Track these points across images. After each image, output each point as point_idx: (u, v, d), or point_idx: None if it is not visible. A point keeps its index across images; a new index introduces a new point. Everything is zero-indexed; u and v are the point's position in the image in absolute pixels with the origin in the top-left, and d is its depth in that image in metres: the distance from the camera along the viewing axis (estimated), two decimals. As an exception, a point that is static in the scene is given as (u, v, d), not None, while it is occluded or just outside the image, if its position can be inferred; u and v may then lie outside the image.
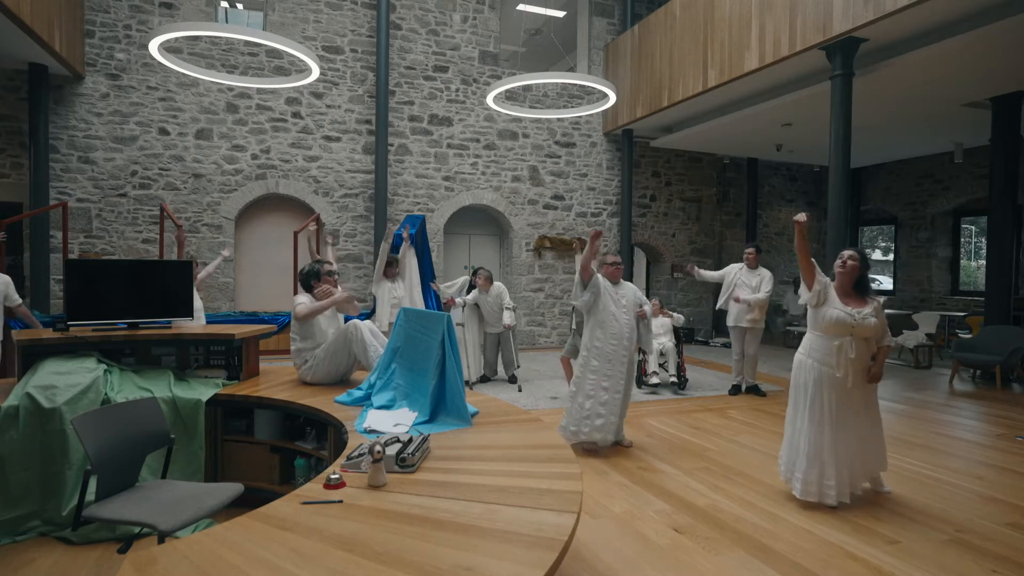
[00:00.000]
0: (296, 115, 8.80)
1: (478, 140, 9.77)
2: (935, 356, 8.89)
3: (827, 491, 3.25)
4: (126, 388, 3.06)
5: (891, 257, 12.48)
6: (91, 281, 3.48)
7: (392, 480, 1.95)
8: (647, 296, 5.31)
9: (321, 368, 3.42)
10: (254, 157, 8.61)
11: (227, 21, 9.06)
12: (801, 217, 3.28)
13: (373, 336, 3.46)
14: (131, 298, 3.53)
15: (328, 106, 8.95)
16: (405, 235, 6.50)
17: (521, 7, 10.59)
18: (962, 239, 11.32)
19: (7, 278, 4.76)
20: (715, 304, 6.70)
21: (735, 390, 6.38)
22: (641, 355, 6.39)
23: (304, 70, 6.35)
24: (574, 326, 5.84)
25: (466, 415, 2.68)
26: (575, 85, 9.95)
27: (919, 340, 8.38)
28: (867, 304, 3.29)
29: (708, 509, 3.30)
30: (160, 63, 6.13)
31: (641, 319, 4.34)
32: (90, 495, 2.17)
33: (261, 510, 1.72)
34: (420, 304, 6.54)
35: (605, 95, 7.21)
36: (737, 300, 6.06)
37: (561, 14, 10.93)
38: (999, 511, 3.32)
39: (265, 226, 8.96)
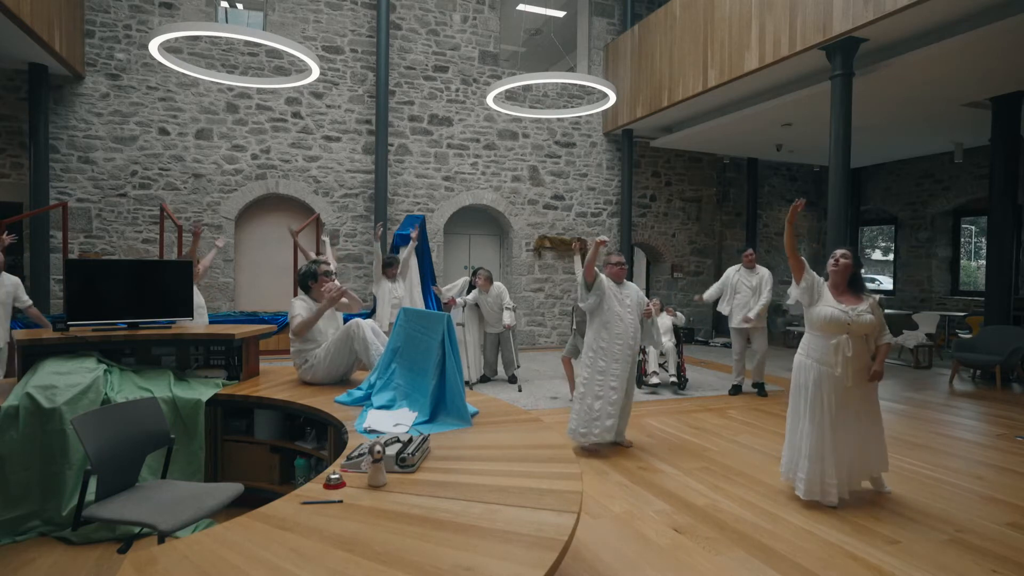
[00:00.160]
0: (296, 115, 8.80)
1: (478, 140, 9.77)
2: (935, 356, 8.89)
3: (829, 490, 3.26)
4: (126, 388, 3.06)
5: (891, 257, 12.48)
6: (91, 281, 3.48)
7: (392, 480, 1.95)
8: (647, 296, 5.31)
9: (321, 368, 3.42)
10: (254, 157, 8.61)
11: (227, 21, 9.06)
12: (800, 203, 3.38)
13: (375, 335, 3.46)
14: (131, 298, 3.53)
15: (328, 106, 8.95)
16: (415, 236, 6.51)
17: (521, 7, 10.59)
18: (962, 239, 11.32)
19: (16, 280, 4.80)
20: (715, 306, 6.71)
21: (735, 390, 6.38)
22: (641, 355, 6.39)
23: (304, 70, 6.35)
24: (574, 326, 5.84)
25: (466, 415, 2.68)
26: (575, 85, 9.96)
27: (919, 340, 8.38)
28: (862, 301, 3.31)
29: (708, 509, 3.30)
30: (160, 63, 6.14)
31: (647, 317, 4.37)
32: (90, 495, 2.17)
33: (261, 510, 1.72)
34: (420, 304, 6.54)
35: (605, 95, 7.21)
36: (748, 320, 6.06)
37: (561, 14, 10.93)
38: (999, 511, 3.32)
39: (265, 226, 8.96)
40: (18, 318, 5.76)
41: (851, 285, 3.37)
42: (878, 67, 6.39)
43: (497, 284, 6.70)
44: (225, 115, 8.46)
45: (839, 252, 3.40)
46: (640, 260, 12.08)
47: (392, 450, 2.07)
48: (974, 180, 10.34)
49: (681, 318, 6.65)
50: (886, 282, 12.54)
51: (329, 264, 3.85)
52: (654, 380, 6.38)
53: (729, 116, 8.58)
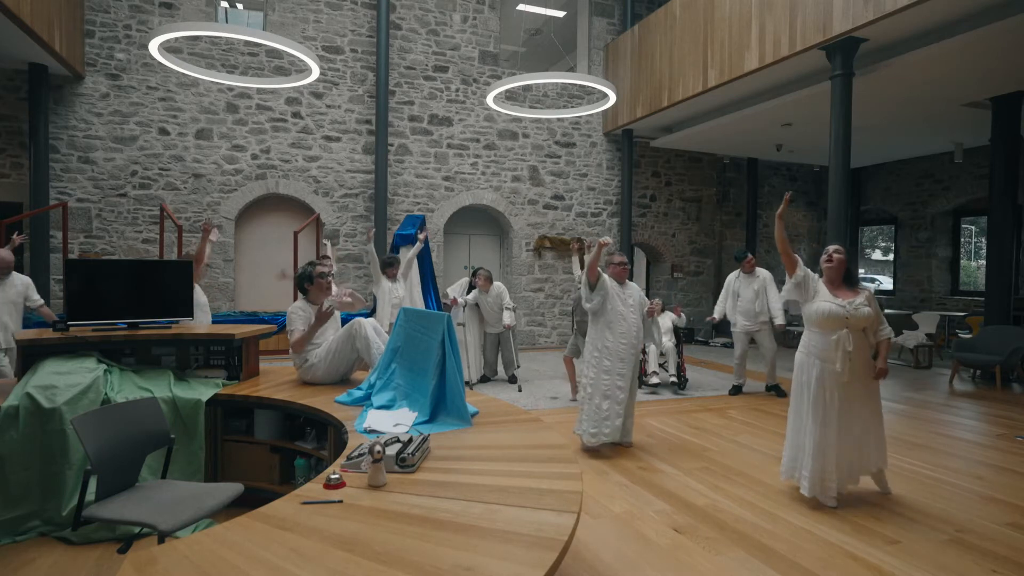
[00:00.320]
0: (296, 115, 8.80)
1: (478, 140, 9.77)
2: (935, 356, 8.89)
3: (829, 487, 3.27)
4: (126, 388, 3.06)
5: (891, 257, 12.48)
6: (91, 281, 3.48)
7: (392, 480, 1.95)
8: (647, 296, 5.33)
9: (322, 367, 3.42)
10: (254, 157, 8.61)
11: (227, 21, 9.07)
12: (789, 195, 3.43)
13: (376, 334, 3.46)
14: (131, 298, 3.53)
15: (328, 106, 8.95)
16: (423, 236, 6.52)
17: (521, 7, 10.59)
18: (962, 239, 11.32)
19: (28, 279, 4.83)
20: (714, 306, 6.72)
21: (735, 390, 6.38)
22: (641, 355, 6.39)
23: (304, 70, 6.36)
24: (575, 326, 5.85)
25: (466, 415, 2.68)
26: (575, 85, 9.96)
27: (919, 340, 8.38)
28: (858, 294, 3.34)
29: (708, 509, 3.30)
30: (160, 63, 6.14)
31: (650, 316, 4.40)
32: (90, 495, 2.17)
33: (261, 510, 1.72)
34: (420, 304, 6.54)
35: (605, 95, 7.21)
36: (781, 327, 6.10)
37: (561, 14, 10.93)
38: (999, 511, 3.32)
39: (265, 226, 8.96)
40: (31, 318, 5.77)
41: (845, 280, 3.42)
42: (878, 67, 6.39)
43: (497, 284, 6.70)
44: (225, 115, 8.46)
45: (832, 248, 3.46)
46: (640, 260, 12.08)
47: (392, 450, 2.07)
48: (974, 180, 10.34)
49: (683, 319, 6.67)
50: (886, 282, 12.54)
51: (327, 266, 3.84)
52: (654, 380, 6.38)
53: (729, 116, 8.58)
